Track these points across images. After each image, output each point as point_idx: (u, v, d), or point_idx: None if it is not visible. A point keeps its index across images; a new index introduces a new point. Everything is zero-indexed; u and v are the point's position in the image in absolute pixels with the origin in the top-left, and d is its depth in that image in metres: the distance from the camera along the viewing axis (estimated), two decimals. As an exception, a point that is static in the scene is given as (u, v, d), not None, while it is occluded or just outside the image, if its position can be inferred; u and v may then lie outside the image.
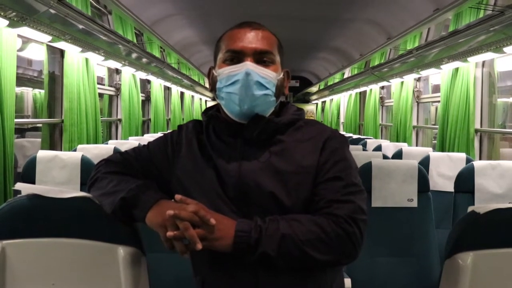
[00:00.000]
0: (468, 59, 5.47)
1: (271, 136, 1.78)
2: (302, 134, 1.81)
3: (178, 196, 1.62)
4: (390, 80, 9.08)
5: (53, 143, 5.94)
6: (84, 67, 6.05)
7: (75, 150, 4.62)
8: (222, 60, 1.80)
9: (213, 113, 1.85)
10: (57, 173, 3.66)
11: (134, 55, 7.24)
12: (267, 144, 1.77)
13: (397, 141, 8.52)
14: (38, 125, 7.22)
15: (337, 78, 15.25)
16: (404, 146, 6.38)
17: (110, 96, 8.49)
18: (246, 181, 1.71)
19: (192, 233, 1.55)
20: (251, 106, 1.73)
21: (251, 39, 1.79)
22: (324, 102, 20.98)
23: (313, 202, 1.71)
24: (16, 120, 4.33)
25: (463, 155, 4.55)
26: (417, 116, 8.81)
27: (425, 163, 4.42)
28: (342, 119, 16.21)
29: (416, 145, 8.57)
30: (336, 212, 1.65)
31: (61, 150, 5.56)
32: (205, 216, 1.57)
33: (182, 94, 14.37)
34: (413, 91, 8.63)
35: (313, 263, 1.63)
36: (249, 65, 1.74)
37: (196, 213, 1.56)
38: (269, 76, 1.76)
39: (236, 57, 1.77)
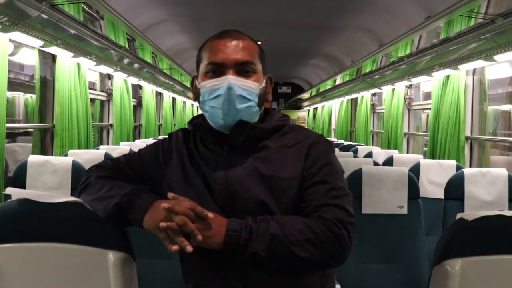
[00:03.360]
0: (459, 66, 5.49)
1: (257, 142, 1.80)
2: (288, 139, 1.83)
3: (170, 194, 1.64)
4: (382, 87, 9.10)
5: (44, 148, 5.92)
6: (75, 72, 6.04)
7: (66, 155, 4.61)
8: (204, 73, 1.81)
9: (198, 122, 1.87)
10: (48, 178, 3.66)
11: (126, 61, 7.23)
12: (253, 150, 1.79)
13: (388, 148, 8.54)
14: (29, 129, 7.21)
15: (328, 84, 15.28)
16: (395, 153, 6.39)
17: (102, 101, 8.47)
18: (233, 188, 1.72)
19: (192, 227, 1.57)
20: (234, 119, 1.76)
21: (232, 50, 1.79)
22: (315, 108, 20.99)
23: (300, 207, 1.73)
24: (7, 124, 4.32)
25: (453, 162, 4.57)
26: (408, 123, 8.81)
27: (415, 170, 4.44)
28: (333, 126, 16.23)
29: (407, 152, 8.58)
30: (324, 215, 1.67)
31: (52, 155, 5.55)
32: (202, 211, 1.59)
33: (174, 99, 14.34)
34: (404, 98, 8.64)
35: (302, 264, 1.64)
36: (230, 78, 1.74)
37: (193, 209, 1.59)
38: (251, 87, 1.78)
39: (217, 69, 1.78)
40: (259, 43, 1.90)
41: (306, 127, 2.04)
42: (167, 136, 1.98)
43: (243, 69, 1.78)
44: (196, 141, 1.87)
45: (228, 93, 1.73)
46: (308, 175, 1.75)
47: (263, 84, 1.85)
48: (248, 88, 1.77)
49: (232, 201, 1.71)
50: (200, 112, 1.93)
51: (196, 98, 1.87)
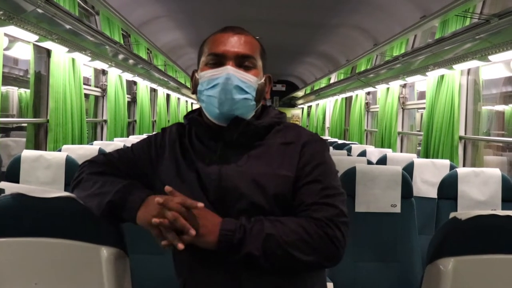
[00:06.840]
0: (454, 66, 5.51)
1: (251, 139, 1.79)
2: (283, 137, 1.82)
3: (168, 188, 1.63)
4: (376, 86, 9.12)
5: (38, 143, 5.91)
6: (70, 67, 6.03)
7: (60, 150, 4.60)
8: (204, 63, 1.81)
9: (193, 116, 1.87)
10: (42, 173, 3.65)
11: (120, 56, 7.23)
12: (247, 147, 1.78)
13: (382, 147, 8.54)
14: (23, 124, 7.19)
15: (323, 83, 15.27)
16: (388, 152, 6.41)
17: (96, 97, 8.46)
18: (225, 184, 1.71)
19: (183, 222, 1.56)
20: (230, 109, 1.74)
21: (234, 43, 1.80)
22: (310, 106, 21.00)
23: (293, 206, 1.72)
24: (0, 119, 4.32)
25: (447, 162, 4.58)
26: (402, 122, 8.83)
27: (409, 169, 4.44)
28: (327, 124, 16.23)
29: (401, 151, 8.60)
30: (316, 216, 1.66)
31: (46, 150, 5.53)
32: (192, 203, 1.59)
33: (168, 96, 14.33)
34: (399, 97, 8.66)
35: (296, 264, 1.63)
36: (229, 69, 1.75)
37: (183, 203, 1.58)
38: (249, 80, 1.77)
39: (218, 60, 1.78)
40: (257, 40, 1.90)
41: (300, 125, 2.00)
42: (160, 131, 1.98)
43: (243, 63, 1.79)
44: (191, 136, 1.86)
45: (226, 83, 1.73)
46: (301, 174, 1.74)
47: (262, 80, 1.85)
48: (246, 80, 1.76)
49: (223, 198, 1.70)
50: (194, 108, 1.93)
51: (194, 91, 1.87)
